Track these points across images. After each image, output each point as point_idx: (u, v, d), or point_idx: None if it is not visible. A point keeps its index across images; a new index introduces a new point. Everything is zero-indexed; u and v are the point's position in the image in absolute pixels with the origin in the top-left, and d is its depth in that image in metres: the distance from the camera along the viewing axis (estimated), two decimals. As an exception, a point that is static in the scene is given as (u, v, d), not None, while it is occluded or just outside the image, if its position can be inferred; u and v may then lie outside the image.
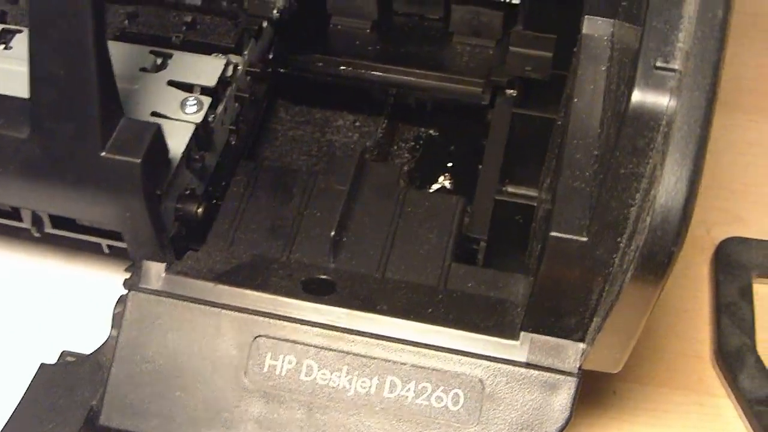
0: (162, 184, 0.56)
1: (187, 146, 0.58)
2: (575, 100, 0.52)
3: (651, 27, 0.44)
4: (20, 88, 0.53)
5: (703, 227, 0.77)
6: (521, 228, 0.64)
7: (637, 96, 0.43)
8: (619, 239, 0.47)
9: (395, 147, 0.72)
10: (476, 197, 0.64)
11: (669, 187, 0.40)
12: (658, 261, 0.41)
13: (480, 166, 0.66)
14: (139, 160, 0.52)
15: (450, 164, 0.71)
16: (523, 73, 0.69)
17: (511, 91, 0.69)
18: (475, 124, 0.70)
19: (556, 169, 0.51)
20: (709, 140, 0.41)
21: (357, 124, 0.73)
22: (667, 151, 0.40)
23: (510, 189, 0.67)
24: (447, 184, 0.70)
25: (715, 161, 0.81)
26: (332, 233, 0.58)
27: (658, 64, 0.43)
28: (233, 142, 0.65)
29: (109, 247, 0.63)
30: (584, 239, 0.47)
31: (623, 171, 0.45)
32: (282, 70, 0.71)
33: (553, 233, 0.48)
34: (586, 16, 0.55)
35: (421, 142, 0.72)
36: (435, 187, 0.70)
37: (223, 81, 0.63)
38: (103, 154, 0.52)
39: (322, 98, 0.73)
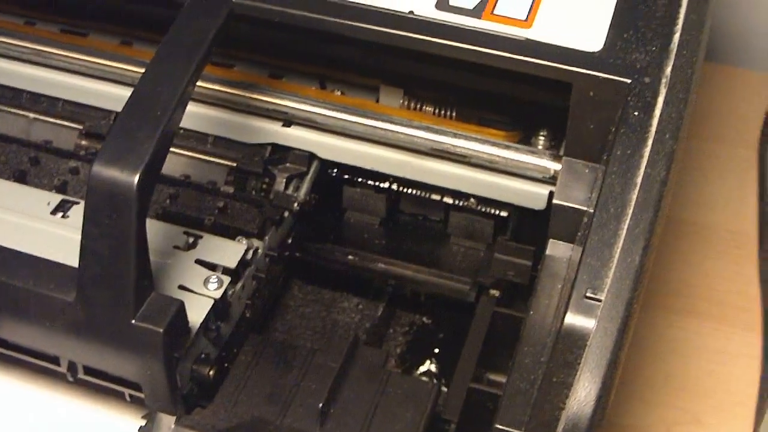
0: (180, 349, 0.65)
1: (206, 318, 0.67)
2: (531, 312, 0.61)
3: (586, 263, 0.54)
4: (73, 255, 0.62)
5: (663, 425, 0.85)
6: (491, 414, 0.73)
7: (569, 319, 0.53)
8: (552, 436, 0.56)
9: (391, 330, 0.82)
10: (453, 383, 0.73)
11: (580, 398, 0.49)
12: (569, 461, 0.50)
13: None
14: (161, 330, 0.61)
15: (437, 350, 0.80)
16: (505, 276, 0.79)
17: (495, 291, 0.79)
18: (463, 317, 0.80)
19: (509, 370, 0.60)
20: (621, 364, 0.51)
21: (360, 307, 0.83)
22: (581, 369, 0.50)
23: (489, 376, 0.76)
24: (433, 368, 0.79)
25: (682, 365, 0.90)
26: (320, 405, 0.67)
27: (588, 294, 0.53)
28: (248, 315, 0.74)
29: (131, 396, 0.72)
30: (522, 433, 0.56)
31: (555, 379, 0.54)
32: (298, 255, 0.81)
33: (497, 425, 0.57)
34: (550, 240, 0.65)
35: (414, 328, 0.82)
36: (422, 369, 0.79)
37: (244, 263, 0.72)
38: (133, 321, 0.61)
39: (331, 281, 0.84)
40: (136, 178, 0.58)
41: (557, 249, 0.64)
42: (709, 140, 1.11)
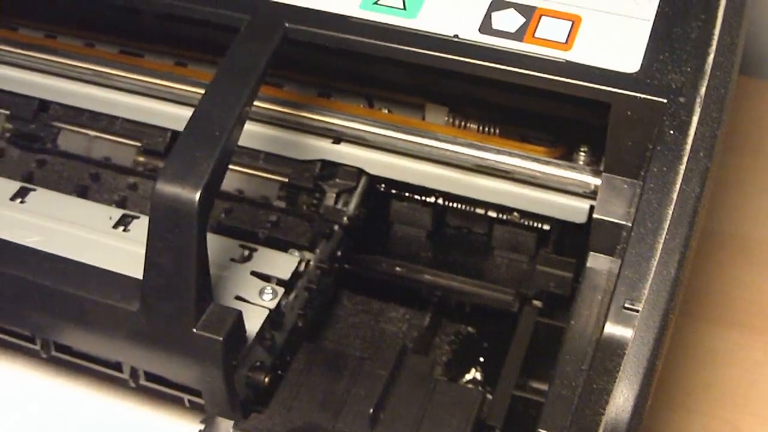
0: (238, 357, 0.68)
1: (261, 327, 0.70)
2: (572, 322, 0.64)
3: (624, 275, 0.57)
4: (134, 267, 0.66)
5: (703, 435, 0.87)
6: (533, 420, 0.75)
7: (608, 328, 0.56)
8: (592, 440, 0.58)
9: (437, 339, 0.84)
10: (497, 390, 0.75)
11: (618, 404, 0.52)
12: (609, 465, 0.53)
13: (506, 364, 0.78)
14: (221, 338, 0.64)
15: (482, 359, 0.83)
16: (548, 288, 0.81)
17: (537, 302, 0.81)
18: (506, 327, 0.82)
19: (550, 377, 0.63)
20: (658, 371, 0.53)
21: (407, 316, 0.85)
22: (620, 376, 0.52)
23: (532, 384, 0.79)
24: (478, 376, 0.82)
25: (723, 375, 0.92)
26: (371, 410, 0.70)
27: (626, 305, 0.56)
28: (300, 325, 0.77)
29: (190, 401, 0.75)
30: (564, 437, 0.59)
31: (595, 386, 0.56)
32: (347, 266, 0.84)
33: (540, 430, 0.59)
34: (590, 253, 0.68)
35: (460, 337, 0.85)
36: (467, 377, 0.82)
37: (296, 274, 0.75)
38: (194, 330, 0.64)
39: (379, 292, 0.86)
40: (198, 195, 0.61)
41: (597, 262, 0.67)
42: (749, 155, 1.12)
